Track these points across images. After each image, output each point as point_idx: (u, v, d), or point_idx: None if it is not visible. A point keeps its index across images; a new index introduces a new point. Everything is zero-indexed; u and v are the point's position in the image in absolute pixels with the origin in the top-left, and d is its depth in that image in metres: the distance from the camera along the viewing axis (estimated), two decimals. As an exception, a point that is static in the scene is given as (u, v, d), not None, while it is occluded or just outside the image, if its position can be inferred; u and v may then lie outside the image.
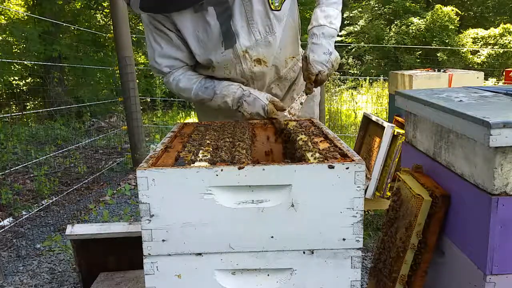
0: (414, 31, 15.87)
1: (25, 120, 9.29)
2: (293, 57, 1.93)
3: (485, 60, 15.30)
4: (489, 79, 13.19)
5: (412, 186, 1.51)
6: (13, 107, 10.64)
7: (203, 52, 1.78)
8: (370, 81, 10.59)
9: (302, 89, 1.85)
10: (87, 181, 4.99)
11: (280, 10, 1.76)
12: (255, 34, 1.76)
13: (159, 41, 1.80)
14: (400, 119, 3.55)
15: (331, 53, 1.71)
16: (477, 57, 15.50)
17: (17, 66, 10.69)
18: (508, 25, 15.61)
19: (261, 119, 1.77)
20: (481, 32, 16.01)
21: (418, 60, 15.39)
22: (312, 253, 1.13)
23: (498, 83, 12.76)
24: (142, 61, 13.26)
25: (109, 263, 2.36)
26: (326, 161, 1.13)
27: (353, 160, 1.11)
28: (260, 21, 1.75)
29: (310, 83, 1.73)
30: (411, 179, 1.58)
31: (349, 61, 15.75)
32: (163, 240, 1.10)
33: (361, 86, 10.83)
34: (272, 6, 1.74)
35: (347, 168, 1.08)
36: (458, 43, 15.90)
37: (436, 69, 5.41)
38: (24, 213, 4.03)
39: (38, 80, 11.38)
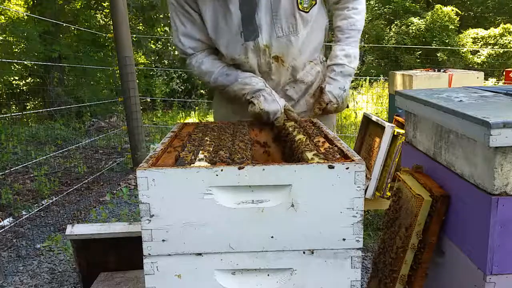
0: (414, 31, 15.86)
1: (25, 120, 9.29)
2: (311, 61, 1.90)
3: (485, 60, 15.30)
4: (489, 79, 13.18)
5: (412, 186, 1.51)
6: (13, 107, 10.65)
7: (220, 40, 1.77)
8: (370, 81, 10.58)
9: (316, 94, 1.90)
10: (87, 181, 4.99)
11: (308, 12, 1.74)
12: (277, 31, 1.73)
13: (183, 21, 1.79)
14: (400, 119, 3.55)
15: (345, 90, 1.81)
16: (477, 57, 15.49)
17: (17, 66, 10.68)
18: (508, 25, 15.60)
19: (266, 119, 1.73)
20: (481, 32, 16.00)
21: (418, 60, 15.38)
22: (312, 253, 1.12)
23: (498, 83, 12.76)
24: (142, 61, 13.26)
25: (109, 263, 2.36)
26: (326, 161, 1.13)
27: (353, 160, 1.11)
28: (285, 19, 1.71)
29: (319, 108, 1.80)
30: (411, 179, 1.58)
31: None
32: (163, 240, 1.10)
33: (361, 86, 10.83)
34: (300, 6, 1.71)
35: (347, 168, 1.08)
36: (458, 43, 15.90)
37: (436, 69, 5.42)
38: (24, 213, 4.03)
39: (38, 80, 11.38)
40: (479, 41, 16.00)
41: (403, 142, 1.90)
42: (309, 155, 1.21)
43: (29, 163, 5.31)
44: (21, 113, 8.95)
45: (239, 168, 1.08)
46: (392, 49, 15.94)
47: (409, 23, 16.04)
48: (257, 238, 1.11)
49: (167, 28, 12.97)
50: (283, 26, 1.72)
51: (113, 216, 4.00)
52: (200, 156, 1.21)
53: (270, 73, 1.82)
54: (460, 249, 1.33)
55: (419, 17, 16.19)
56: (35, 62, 9.67)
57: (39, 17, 9.14)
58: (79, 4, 12.18)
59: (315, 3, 1.76)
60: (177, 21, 1.81)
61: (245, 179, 1.08)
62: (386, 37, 16.17)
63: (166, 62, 13.65)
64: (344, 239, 1.11)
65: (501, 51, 14.93)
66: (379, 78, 10.50)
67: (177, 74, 11.83)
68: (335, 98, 1.80)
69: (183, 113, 10.49)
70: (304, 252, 1.13)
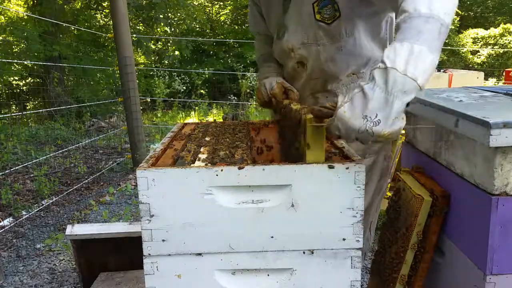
0: (414, 31, 15.83)
1: (25, 120, 9.29)
2: (353, 74, 1.63)
3: (485, 60, 15.30)
4: (489, 79, 13.19)
5: (412, 186, 1.51)
6: (13, 107, 10.64)
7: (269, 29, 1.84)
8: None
9: None
10: (87, 181, 4.99)
11: (330, 24, 1.53)
12: (303, 36, 1.60)
13: (251, 4, 1.88)
14: (400, 119, 3.54)
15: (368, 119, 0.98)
16: (477, 57, 15.50)
17: (17, 66, 10.68)
18: (508, 25, 15.60)
19: (265, 94, 1.69)
20: (481, 32, 16.01)
21: (418, 60, 15.33)
22: (312, 253, 1.12)
23: (498, 83, 12.76)
24: (142, 61, 13.26)
25: (109, 263, 2.36)
26: (326, 161, 1.13)
27: (353, 160, 1.11)
28: (309, 25, 1.57)
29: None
30: (411, 179, 1.58)
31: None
32: (163, 240, 1.10)
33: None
34: (317, 16, 1.53)
35: (347, 168, 1.08)
36: (458, 43, 15.90)
37: (436, 69, 5.41)
38: (24, 213, 4.03)
39: (38, 80, 11.38)
40: (479, 41, 16.00)
41: (403, 142, 1.90)
42: (309, 116, 1.11)
43: (29, 163, 5.31)
44: (21, 113, 8.94)
45: (239, 168, 1.08)
46: (392, 49, 15.89)
47: (409, 23, 16.01)
48: (257, 238, 1.11)
49: (167, 28, 12.97)
50: (307, 32, 1.58)
51: (114, 215, 4.00)
52: (200, 156, 1.21)
53: (295, 77, 1.73)
54: (460, 249, 1.33)
55: (419, 17, 16.16)
56: (35, 62, 9.67)
57: (39, 17, 9.13)
58: (79, 4, 12.18)
59: (339, 16, 1.52)
60: (250, 1, 1.90)
61: (245, 179, 1.08)
62: (386, 37, 16.14)
63: (166, 62, 13.65)
64: (344, 239, 1.11)
65: (501, 51, 14.93)
66: (379, 78, 10.45)
67: (179, 78, 11.83)
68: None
69: (183, 113, 10.49)
70: (304, 252, 1.13)
